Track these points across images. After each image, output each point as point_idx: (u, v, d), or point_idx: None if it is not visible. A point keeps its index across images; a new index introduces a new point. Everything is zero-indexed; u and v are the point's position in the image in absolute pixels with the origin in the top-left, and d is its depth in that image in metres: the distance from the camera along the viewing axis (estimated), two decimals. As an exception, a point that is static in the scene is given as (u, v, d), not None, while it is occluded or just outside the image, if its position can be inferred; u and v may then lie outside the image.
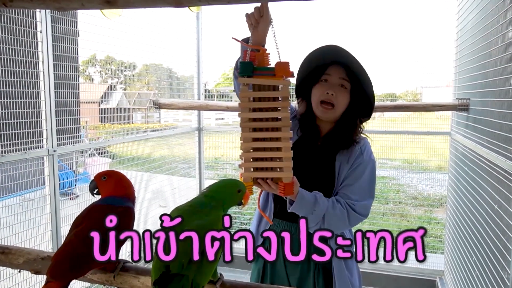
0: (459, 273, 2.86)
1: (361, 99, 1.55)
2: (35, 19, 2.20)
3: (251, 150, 1.30)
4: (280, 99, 1.27)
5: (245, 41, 1.43)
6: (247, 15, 1.39)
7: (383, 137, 3.80)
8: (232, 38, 1.45)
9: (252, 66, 1.27)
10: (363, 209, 1.50)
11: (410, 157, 3.99)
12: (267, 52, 1.32)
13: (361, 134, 1.63)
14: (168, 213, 0.98)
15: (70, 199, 3.01)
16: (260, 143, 1.30)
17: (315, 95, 1.55)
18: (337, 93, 1.50)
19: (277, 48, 1.34)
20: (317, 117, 1.60)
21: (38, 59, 2.25)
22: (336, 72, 1.52)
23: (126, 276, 1.09)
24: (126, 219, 1.09)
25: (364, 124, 1.64)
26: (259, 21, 1.37)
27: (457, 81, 3.23)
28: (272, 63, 1.31)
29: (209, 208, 1.04)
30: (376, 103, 3.25)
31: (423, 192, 4.49)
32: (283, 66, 1.27)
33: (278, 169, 1.31)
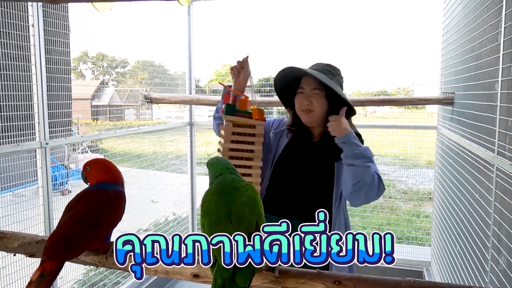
0: (444, 263, 2.94)
1: (340, 100, 1.64)
2: (27, 13, 2.22)
3: None
4: (254, 135, 1.64)
5: (229, 87, 1.77)
6: (231, 68, 1.72)
7: (373, 132, 3.87)
8: (219, 83, 2.01)
9: (234, 108, 1.65)
10: (383, 183, 1.56)
11: (400, 153, 4.07)
12: (248, 99, 1.71)
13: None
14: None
15: (63, 194, 3.03)
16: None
17: (296, 105, 1.72)
18: (312, 101, 1.66)
19: (252, 94, 1.77)
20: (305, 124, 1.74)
21: (30, 52, 2.27)
22: (308, 84, 1.67)
23: (118, 257, 1.13)
24: (118, 202, 1.13)
25: (354, 121, 1.73)
26: (241, 71, 1.71)
27: (443, 76, 3.30)
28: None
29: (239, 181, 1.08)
30: (365, 98, 3.32)
31: (413, 187, 4.57)
32: (259, 111, 1.66)
33: None
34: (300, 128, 1.74)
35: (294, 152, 1.72)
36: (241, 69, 1.70)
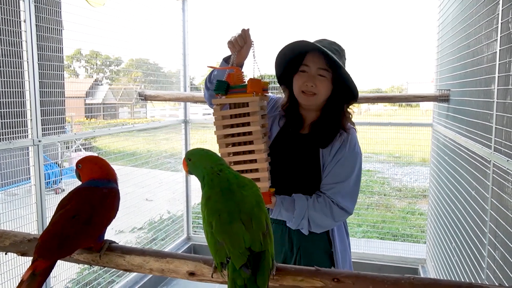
0: (440, 260, 2.94)
1: (344, 86, 1.53)
2: (19, 8, 2.19)
3: (232, 164, 1.43)
4: (249, 114, 1.41)
5: (226, 59, 1.57)
6: (231, 43, 1.50)
7: (368, 130, 3.87)
8: (208, 66, 1.64)
9: (226, 85, 1.41)
10: (348, 205, 1.51)
11: (395, 150, 4.07)
12: (241, 71, 1.48)
13: (350, 123, 1.61)
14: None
15: (56, 193, 3.00)
16: (237, 157, 1.44)
17: (296, 85, 1.55)
18: (316, 83, 1.50)
19: (256, 63, 1.55)
20: (300, 106, 1.61)
21: (22, 48, 2.24)
22: (314, 62, 1.51)
23: (112, 256, 1.11)
24: (112, 199, 1.11)
25: (352, 112, 1.64)
26: (243, 46, 1.51)
27: (438, 73, 3.30)
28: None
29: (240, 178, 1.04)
30: (360, 95, 3.31)
31: (407, 184, 4.57)
32: (254, 83, 1.40)
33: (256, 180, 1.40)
34: (293, 114, 1.61)
35: (283, 145, 1.62)
36: (243, 44, 1.50)
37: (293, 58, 1.56)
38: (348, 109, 1.62)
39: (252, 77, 1.46)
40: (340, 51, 1.53)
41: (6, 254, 1.22)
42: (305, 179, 1.58)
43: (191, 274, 1.04)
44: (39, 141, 2.35)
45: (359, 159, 1.55)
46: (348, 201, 1.51)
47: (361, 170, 1.56)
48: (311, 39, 1.53)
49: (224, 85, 1.41)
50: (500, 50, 1.73)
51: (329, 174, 1.53)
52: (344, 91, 1.55)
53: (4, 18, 2.13)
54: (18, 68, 2.25)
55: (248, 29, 1.52)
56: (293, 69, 1.57)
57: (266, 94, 1.53)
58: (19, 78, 2.25)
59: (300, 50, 1.54)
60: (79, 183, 1.19)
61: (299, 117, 1.63)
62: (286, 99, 1.66)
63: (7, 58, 2.19)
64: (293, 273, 0.96)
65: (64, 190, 3.08)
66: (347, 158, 1.53)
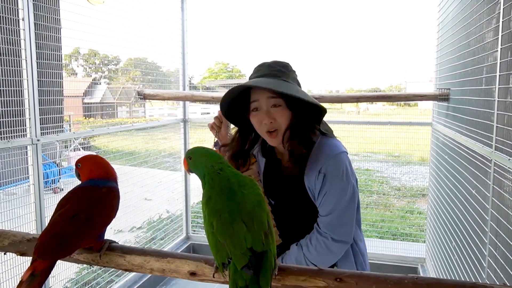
0: (439, 259, 2.94)
1: (303, 104, 1.37)
2: (17, 6, 2.17)
3: None
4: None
5: (216, 144, 1.70)
6: (210, 125, 1.63)
7: (367, 129, 3.86)
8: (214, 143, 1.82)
9: None
10: (342, 236, 1.38)
11: (394, 150, 4.07)
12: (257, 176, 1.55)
13: (328, 135, 1.45)
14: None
15: (55, 192, 2.98)
16: None
17: (256, 127, 1.44)
18: (274, 116, 1.38)
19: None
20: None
21: (20, 47, 2.22)
22: (261, 94, 1.38)
23: (112, 256, 1.10)
24: (111, 198, 1.10)
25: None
26: (220, 126, 1.61)
27: (438, 72, 3.30)
28: None
29: (240, 177, 1.03)
30: (360, 94, 3.31)
31: (406, 183, 4.58)
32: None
33: None
34: (268, 151, 1.53)
35: (269, 186, 1.53)
36: (220, 124, 1.61)
37: (240, 103, 1.45)
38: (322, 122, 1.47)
39: None
40: (283, 69, 1.41)
41: (5, 254, 1.20)
42: (302, 213, 1.48)
43: (192, 274, 1.03)
44: (38, 140, 2.33)
45: (350, 188, 1.38)
46: (340, 232, 1.38)
47: (354, 198, 1.40)
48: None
49: None
50: (501, 48, 1.72)
51: (320, 205, 1.41)
52: (307, 110, 1.39)
53: (2, 16, 2.12)
54: (17, 67, 2.23)
55: (219, 111, 1.52)
56: (244, 110, 1.46)
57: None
58: (18, 77, 2.24)
59: (241, 90, 1.41)
60: (78, 182, 1.18)
61: (273, 155, 1.53)
62: (259, 143, 1.57)
63: (6, 56, 2.17)
64: (296, 272, 0.95)
65: (62, 189, 3.07)
66: (333, 189, 1.37)
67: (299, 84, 1.44)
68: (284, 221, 1.53)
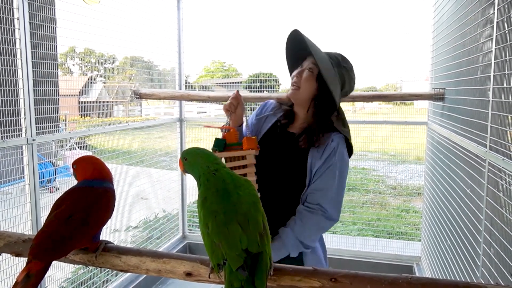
0: (434, 258, 2.95)
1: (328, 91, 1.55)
2: (12, 5, 2.16)
3: None
4: (246, 166, 1.52)
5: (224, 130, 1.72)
6: (226, 106, 1.64)
7: (363, 128, 3.87)
8: (204, 126, 2.06)
9: (223, 143, 1.55)
10: (334, 213, 1.53)
11: (390, 148, 4.08)
12: (237, 131, 1.60)
13: (343, 128, 1.61)
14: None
15: (50, 192, 2.97)
16: None
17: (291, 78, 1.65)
18: (302, 75, 1.59)
19: (247, 123, 1.66)
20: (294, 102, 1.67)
21: (15, 46, 2.21)
22: (308, 60, 1.61)
23: (108, 256, 1.10)
24: (107, 199, 1.10)
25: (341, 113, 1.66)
26: (237, 106, 1.64)
27: (433, 72, 3.31)
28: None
29: (236, 178, 1.03)
30: (356, 93, 3.31)
31: (402, 182, 4.59)
32: (249, 141, 1.53)
33: None
34: (288, 109, 1.70)
35: (272, 141, 1.66)
36: (237, 104, 1.64)
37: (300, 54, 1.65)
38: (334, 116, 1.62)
39: (246, 137, 1.57)
40: (341, 61, 1.58)
41: (0, 254, 1.20)
42: (291, 178, 1.58)
43: (188, 275, 1.03)
44: (33, 139, 2.33)
45: (346, 169, 1.57)
46: (333, 209, 1.52)
47: (346, 178, 1.58)
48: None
49: (222, 143, 1.54)
50: (495, 49, 1.73)
51: (319, 179, 1.53)
52: (329, 94, 1.55)
53: (-3, 16, 2.11)
54: (12, 66, 2.22)
55: (237, 91, 1.65)
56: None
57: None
58: (13, 77, 2.23)
59: (302, 52, 1.62)
60: (73, 181, 1.18)
61: (291, 112, 1.69)
62: None
63: (1, 56, 2.16)
64: (291, 273, 0.96)
65: (58, 189, 3.06)
66: (336, 166, 1.53)
67: (343, 80, 1.58)
68: (267, 180, 1.58)
